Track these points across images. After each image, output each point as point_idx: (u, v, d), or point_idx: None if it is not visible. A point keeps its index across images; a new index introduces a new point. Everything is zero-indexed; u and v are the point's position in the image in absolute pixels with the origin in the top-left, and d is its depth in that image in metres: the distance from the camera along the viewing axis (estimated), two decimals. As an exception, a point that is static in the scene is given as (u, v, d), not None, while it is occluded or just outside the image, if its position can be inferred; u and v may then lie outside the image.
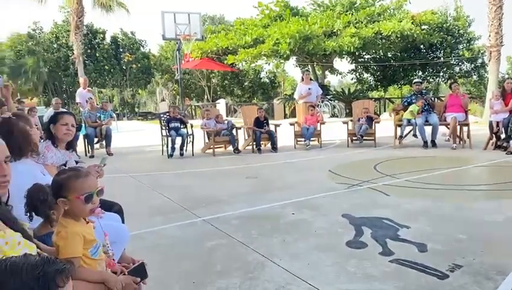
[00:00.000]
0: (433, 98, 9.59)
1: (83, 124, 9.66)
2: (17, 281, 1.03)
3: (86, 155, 9.06)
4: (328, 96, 20.60)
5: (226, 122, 9.65)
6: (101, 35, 30.60)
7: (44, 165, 2.71)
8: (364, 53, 23.06)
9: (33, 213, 2.07)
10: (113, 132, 10.11)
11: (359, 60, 24.68)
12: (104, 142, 9.90)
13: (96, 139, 9.79)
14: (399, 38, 19.29)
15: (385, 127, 10.21)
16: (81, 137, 9.17)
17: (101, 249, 1.79)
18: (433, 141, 8.81)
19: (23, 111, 7.21)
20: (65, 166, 2.85)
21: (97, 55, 29.60)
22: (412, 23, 19.35)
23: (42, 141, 2.99)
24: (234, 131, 9.33)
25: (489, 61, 15.43)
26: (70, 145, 3.12)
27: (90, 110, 9.96)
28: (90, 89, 11.30)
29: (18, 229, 1.46)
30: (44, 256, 1.12)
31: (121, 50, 30.79)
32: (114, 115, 12.00)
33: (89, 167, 2.56)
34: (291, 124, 10.29)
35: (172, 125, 8.92)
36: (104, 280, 1.66)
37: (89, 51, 28.72)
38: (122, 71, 30.68)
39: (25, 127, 2.51)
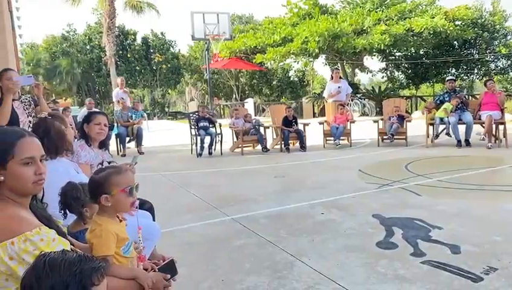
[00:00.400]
0: (467, 96, 9.29)
1: (115, 124, 9.88)
2: (54, 277, 1.06)
3: (118, 154, 9.26)
4: (358, 95, 20.34)
5: (253, 121, 9.67)
6: (132, 37, 31.25)
7: (78, 164, 2.79)
8: (395, 50, 22.62)
9: (67, 210, 2.13)
10: (144, 131, 10.30)
11: (390, 57, 24.24)
12: (135, 142, 10.10)
13: (127, 139, 10.00)
14: (431, 35, 18.83)
15: (417, 125, 9.99)
16: (113, 136, 9.38)
17: (133, 247, 1.82)
18: (467, 140, 8.56)
19: (58, 111, 7.43)
20: (102, 165, 2.93)
21: (128, 56, 30.25)
22: (445, 19, 18.85)
23: (76, 140, 3.08)
24: (262, 130, 9.33)
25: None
26: (104, 144, 3.20)
27: (122, 110, 10.18)
28: (126, 89, 11.55)
29: (53, 226, 1.51)
30: (81, 253, 1.16)
31: (152, 51, 31.36)
32: (145, 115, 12.22)
33: (121, 165, 2.61)
34: (320, 123, 10.21)
35: (201, 124, 9.02)
36: (134, 277, 1.69)
37: (120, 52, 29.37)
38: (153, 71, 31.24)
39: (60, 127, 2.59)
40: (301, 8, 22.33)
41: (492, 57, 22.59)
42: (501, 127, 8.57)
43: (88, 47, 30.80)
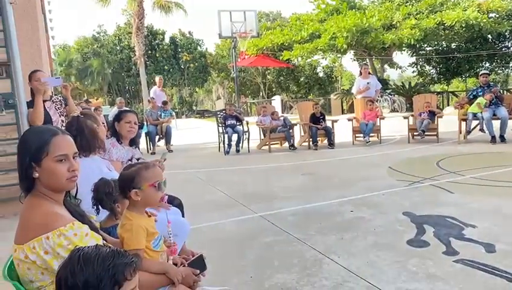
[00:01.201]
0: (501, 91, 8.98)
1: (145, 122, 10.07)
2: (88, 271, 1.09)
3: (147, 152, 9.43)
4: (388, 91, 19.97)
5: (281, 118, 9.64)
6: (161, 36, 31.67)
7: (110, 161, 2.85)
8: (425, 45, 22.09)
9: (99, 206, 2.18)
10: (172, 129, 10.45)
11: (420, 52, 23.68)
12: (164, 139, 10.26)
13: (157, 137, 10.16)
14: (463, 28, 18.26)
15: (448, 121, 9.74)
16: (143, 134, 9.55)
17: (162, 241, 1.85)
18: (501, 136, 8.28)
19: (90, 110, 7.61)
20: (131, 161, 2.99)
21: (157, 55, 30.69)
22: (478, 11, 18.25)
23: (108, 138, 3.15)
24: (290, 130, 9.31)
25: None
26: (134, 142, 3.27)
27: (151, 109, 10.36)
28: (163, 88, 11.95)
29: (86, 221, 1.55)
30: (114, 249, 1.18)
31: (179, 50, 31.70)
32: (173, 113, 12.40)
33: (149, 161, 2.66)
34: (349, 120, 10.08)
35: (228, 122, 9.06)
36: (165, 271, 1.72)
37: (149, 51, 29.83)
38: (181, 70, 31.59)
39: (93, 125, 2.66)
40: (329, 4, 22.10)
41: (528, 49, 21.76)
42: (538, 122, 8.25)
43: (118, 47, 31.42)
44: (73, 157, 1.53)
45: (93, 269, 1.09)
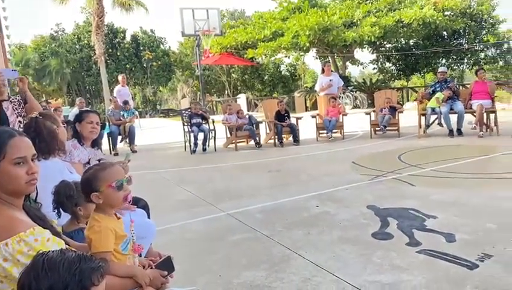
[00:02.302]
0: (458, 86, 9.35)
1: (107, 122, 9.83)
2: (53, 277, 1.05)
3: (110, 153, 9.21)
4: (350, 88, 20.37)
5: (247, 116, 9.66)
6: (122, 35, 31.04)
7: (72, 163, 2.77)
8: (385, 42, 22.66)
9: (60, 210, 2.12)
10: (136, 129, 10.26)
11: (380, 49, 24.28)
12: (127, 140, 10.05)
13: (120, 137, 9.95)
14: (421, 26, 18.87)
15: (409, 116, 10.04)
16: (105, 135, 9.33)
17: (131, 244, 1.82)
18: (459, 130, 8.62)
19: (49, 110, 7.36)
20: (89, 164, 2.91)
21: (118, 54, 30.07)
22: (434, 9, 18.90)
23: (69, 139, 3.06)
24: (255, 126, 9.33)
25: (516, 45, 14.96)
26: (96, 143, 3.18)
27: (113, 109, 10.13)
28: (126, 86, 11.71)
29: (47, 226, 1.49)
30: (80, 253, 1.14)
31: (141, 48, 31.17)
32: (136, 113, 12.18)
33: (113, 162, 2.60)
34: (313, 117, 10.23)
35: (194, 121, 8.99)
36: (132, 274, 1.69)
37: (110, 50, 29.18)
38: (143, 69, 31.08)
39: (52, 126, 2.56)
40: (291, 2, 22.30)
41: (481, 46, 22.71)
42: (492, 115, 8.64)
43: (77, 46, 30.55)
44: (32, 160, 1.48)
45: (58, 275, 1.05)
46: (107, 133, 9.56)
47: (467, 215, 3.56)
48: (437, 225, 3.37)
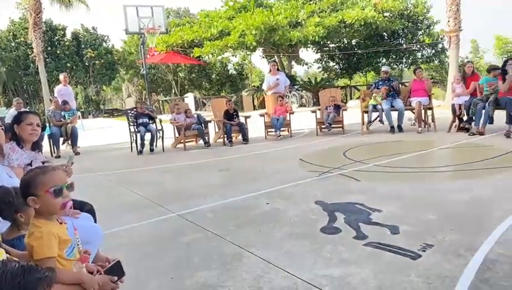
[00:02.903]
0: (399, 85, 9.79)
1: (48, 124, 9.38)
2: None
3: (51, 156, 8.80)
4: (296, 87, 20.71)
5: (195, 115, 9.57)
6: (61, 32, 29.67)
7: (11, 167, 2.62)
8: (329, 42, 23.28)
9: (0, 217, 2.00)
10: (78, 130, 9.87)
11: (324, 49, 24.90)
12: (70, 142, 9.64)
13: (62, 139, 9.52)
14: (362, 26, 19.56)
15: (352, 114, 10.38)
16: (46, 137, 8.91)
17: (76, 249, 1.75)
18: (399, 126, 9.03)
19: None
20: (31, 166, 2.77)
21: (58, 52, 28.72)
22: (375, 10, 19.66)
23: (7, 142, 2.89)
24: (203, 125, 9.26)
25: (449, 46, 15.88)
26: (37, 146, 3.03)
27: (54, 109, 9.68)
28: (69, 86, 11.20)
29: (-15, 234, 1.41)
30: (24, 264, 1.08)
31: (83, 46, 29.95)
32: (78, 113, 11.72)
33: (56, 166, 2.49)
34: (261, 115, 10.32)
35: (140, 121, 8.78)
36: (80, 281, 1.63)
37: (49, 48, 27.82)
38: (85, 68, 29.90)
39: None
40: (237, 2, 22.33)
41: (418, 46, 23.90)
42: (429, 112, 9.13)
43: (13, 44, 28.80)
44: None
45: (0, 289, 0.99)
46: (48, 135, 9.12)
47: (409, 208, 3.74)
48: (382, 218, 3.51)
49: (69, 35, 30.21)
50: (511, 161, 5.51)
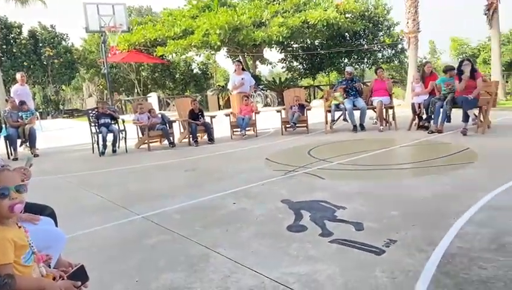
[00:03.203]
0: (361, 85, 10.02)
1: (4, 125, 8.99)
2: None
3: (9, 158, 8.45)
4: (261, 86, 20.81)
5: (159, 115, 9.43)
6: (17, 30, 28.52)
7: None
8: (292, 42, 23.53)
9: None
10: (37, 131, 9.52)
11: (288, 49, 25.14)
12: (28, 143, 9.29)
13: (19, 141, 9.16)
14: (325, 27, 19.87)
15: (316, 113, 10.53)
16: (2, 139, 8.56)
17: (34, 255, 1.68)
18: (361, 125, 9.23)
19: None
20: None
21: (14, 50, 27.59)
22: (337, 11, 20.01)
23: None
24: (167, 125, 9.14)
25: (408, 47, 16.39)
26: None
27: (11, 110, 9.29)
28: (26, 85, 10.78)
29: None
30: None
31: (41, 45, 28.91)
32: (37, 114, 11.32)
33: (14, 169, 2.39)
34: (226, 115, 10.30)
35: (102, 121, 8.56)
36: (41, 287, 1.58)
37: (4, 46, 26.72)
38: (43, 67, 28.86)
39: None
40: (200, 0, 22.19)
41: (378, 47, 24.53)
42: (390, 111, 9.39)
43: (-36, 41, 27.50)
44: None
45: None
46: (5, 137, 8.74)
47: (373, 205, 3.83)
48: (346, 215, 3.58)
49: (25, 33, 29.09)
50: (468, 157, 5.74)
